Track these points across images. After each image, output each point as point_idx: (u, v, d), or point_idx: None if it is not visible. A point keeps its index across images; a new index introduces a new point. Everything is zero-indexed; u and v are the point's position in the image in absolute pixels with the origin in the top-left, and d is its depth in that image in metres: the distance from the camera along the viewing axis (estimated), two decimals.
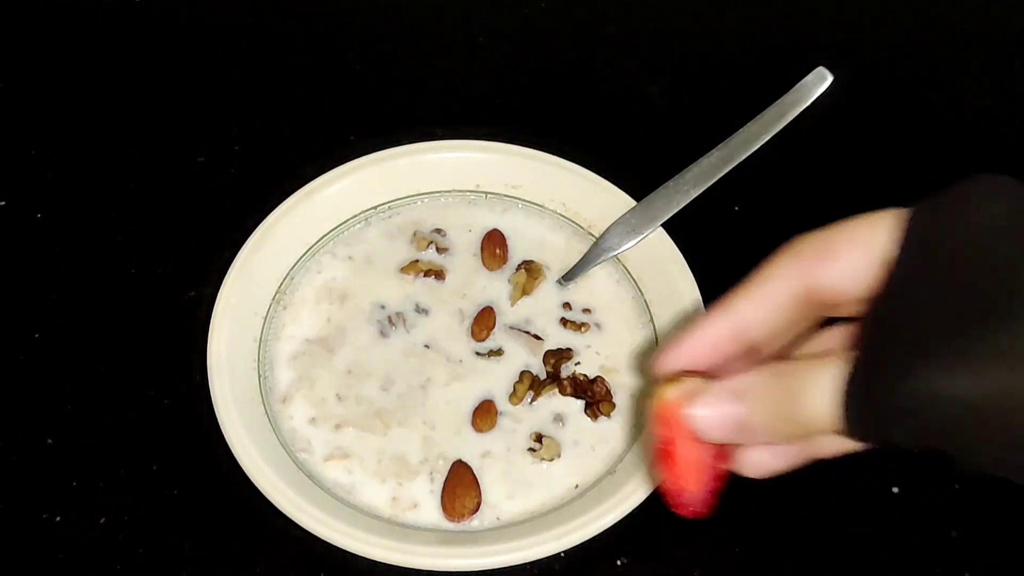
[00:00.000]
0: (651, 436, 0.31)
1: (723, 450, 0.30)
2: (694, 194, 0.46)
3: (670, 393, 0.30)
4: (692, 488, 0.31)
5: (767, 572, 0.39)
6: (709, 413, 0.29)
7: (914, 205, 0.29)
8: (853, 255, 0.28)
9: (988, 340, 0.25)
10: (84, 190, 0.50)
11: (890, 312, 0.27)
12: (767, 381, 0.29)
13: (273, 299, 0.45)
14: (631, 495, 0.38)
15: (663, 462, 0.31)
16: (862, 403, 0.26)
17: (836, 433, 0.27)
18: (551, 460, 0.41)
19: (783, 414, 0.28)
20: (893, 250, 0.28)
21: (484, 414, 0.42)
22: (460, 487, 0.40)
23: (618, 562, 0.39)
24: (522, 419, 0.42)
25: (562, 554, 0.38)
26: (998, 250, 0.26)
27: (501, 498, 0.40)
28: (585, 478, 0.41)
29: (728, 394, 0.29)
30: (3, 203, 0.49)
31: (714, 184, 0.47)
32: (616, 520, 0.37)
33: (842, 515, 0.40)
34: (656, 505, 0.38)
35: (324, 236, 0.47)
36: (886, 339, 0.27)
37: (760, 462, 0.31)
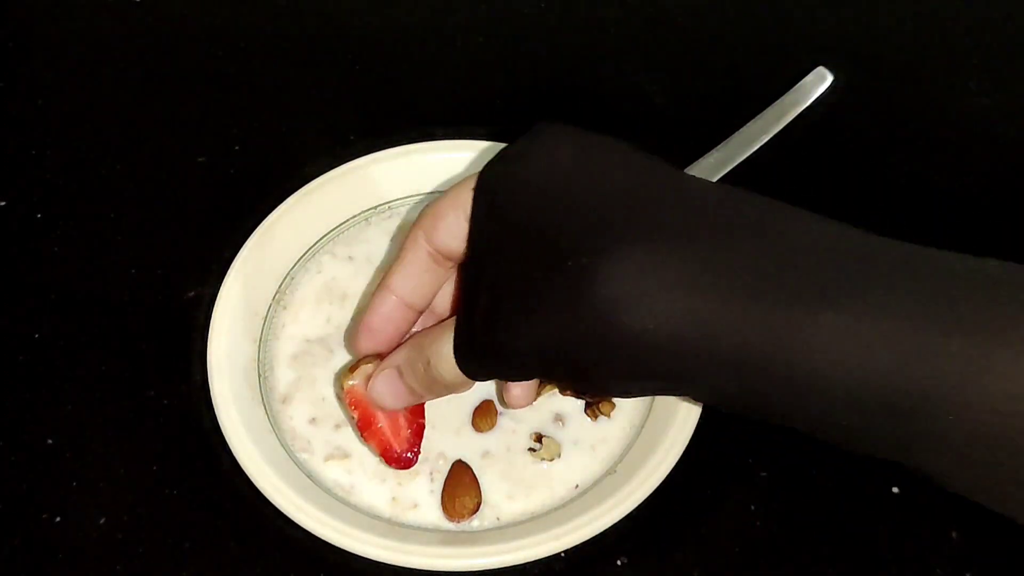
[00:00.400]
0: (348, 415, 0.38)
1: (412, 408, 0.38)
2: None
3: (351, 380, 0.37)
4: (398, 446, 0.38)
5: (767, 572, 0.39)
6: (382, 390, 0.36)
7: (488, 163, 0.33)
8: (451, 216, 0.33)
9: (542, 296, 0.29)
10: (84, 190, 0.50)
11: (470, 270, 0.33)
12: (410, 354, 0.35)
13: (273, 299, 0.45)
14: (631, 495, 0.38)
15: (366, 433, 0.38)
16: (465, 358, 0.33)
17: (459, 380, 0.34)
18: (551, 460, 0.41)
19: (429, 377, 0.34)
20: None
21: (484, 414, 0.42)
22: (460, 487, 0.40)
23: (618, 562, 0.39)
24: (522, 419, 0.42)
25: (562, 554, 0.38)
26: (559, 197, 0.30)
27: (501, 498, 0.40)
28: (585, 478, 0.41)
29: (390, 371, 0.36)
30: (3, 203, 0.49)
31: None
32: (616, 520, 0.37)
33: (842, 515, 0.40)
34: (656, 505, 0.38)
35: (324, 236, 0.47)
36: (469, 299, 0.32)
37: (516, 397, 0.37)
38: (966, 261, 0.28)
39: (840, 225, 0.29)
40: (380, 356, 0.38)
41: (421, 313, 0.38)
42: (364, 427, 0.38)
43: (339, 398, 0.42)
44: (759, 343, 0.27)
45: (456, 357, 0.33)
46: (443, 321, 0.36)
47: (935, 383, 0.26)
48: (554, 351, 0.30)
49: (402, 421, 0.38)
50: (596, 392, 0.37)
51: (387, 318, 0.36)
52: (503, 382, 0.37)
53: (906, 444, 0.28)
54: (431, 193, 0.48)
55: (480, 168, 0.34)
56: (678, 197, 0.30)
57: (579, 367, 0.30)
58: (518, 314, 0.30)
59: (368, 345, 0.37)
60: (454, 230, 0.33)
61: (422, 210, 0.35)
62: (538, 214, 0.30)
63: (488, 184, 0.32)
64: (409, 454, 0.39)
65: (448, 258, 0.35)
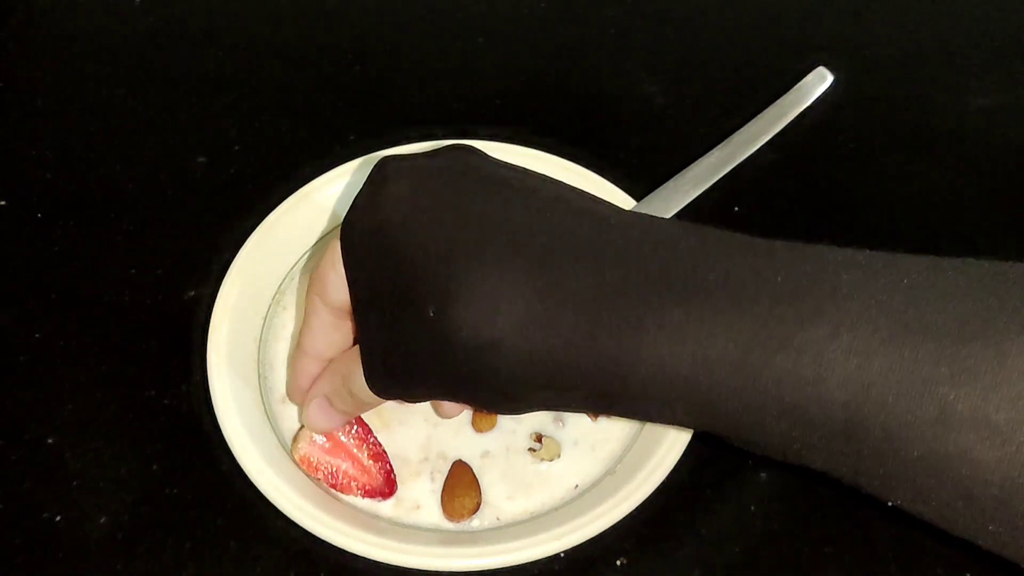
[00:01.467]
0: (313, 480, 0.40)
1: (359, 434, 0.40)
2: (694, 194, 0.46)
3: (298, 451, 0.40)
4: (372, 481, 0.40)
5: (767, 572, 0.39)
6: (315, 418, 0.39)
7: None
8: (331, 275, 0.35)
9: (411, 346, 0.32)
10: (84, 190, 0.50)
11: (358, 319, 0.35)
12: (333, 381, 0.38)
13: (273, 299, 0.45)
14: (631, 495, 0.38)
15: (339, 487, 0.40)
16: (375, 388, 0.35)
17: (373, 399, 0.36)
18: (551, 460, 0.41)
19: (351, 398, 0.37)
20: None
21: (484, 414, 0.42)
22: (460, 487, 0.40)
23: (618, 562, 0.39)
24: (522, 419, 0.42)
25: (562, 554, 0.38)
26: (405, 240, 0.32)
27: (501, 498, 0.40)
28: (585, 478, 0.41)
29: (319, 400, 0.38)
30: (3, 203, 0.49)
31: (714, 184, 0.47)
32: (616, 520, 0.37)
33: (842, 515, 0.40)
34: (656, 505, 0.38)
35: (324, 236, 0.47)
36: (364, 341, 0.35)
37: (446, 409, 0.40)
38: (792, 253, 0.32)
39: (675, 227, 0.33)
40: None
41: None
42: (333, 484, 0.40)
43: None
44: (602, 357, 0.31)
45: (368, 387, 0.36)
46: (353, 349, 0.37)
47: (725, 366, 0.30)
48: (439, 388, 0.34)
49: (360, 454, 0.40)
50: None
51: (311, 376, 0.39)
52: (343, 423, 0.40)
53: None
54: None
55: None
56: (516, 225, 0.32)
57: (464, 398, 0.35)
58: (399, 359, 0.33)
59: (301, 400, 0.40)
60: (340, 287, 0.35)
61: (311, 274, 0.37)
62: (391, 260, 0.32)
63: (347, 239, 0.34)
64: (386, 485, 0.40)
65: (346, 312, 0.37)
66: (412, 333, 0.32)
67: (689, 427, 0.38)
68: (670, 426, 0.38)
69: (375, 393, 0.36)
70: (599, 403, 0.34)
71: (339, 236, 0.35)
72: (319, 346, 0.38)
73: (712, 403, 0.30)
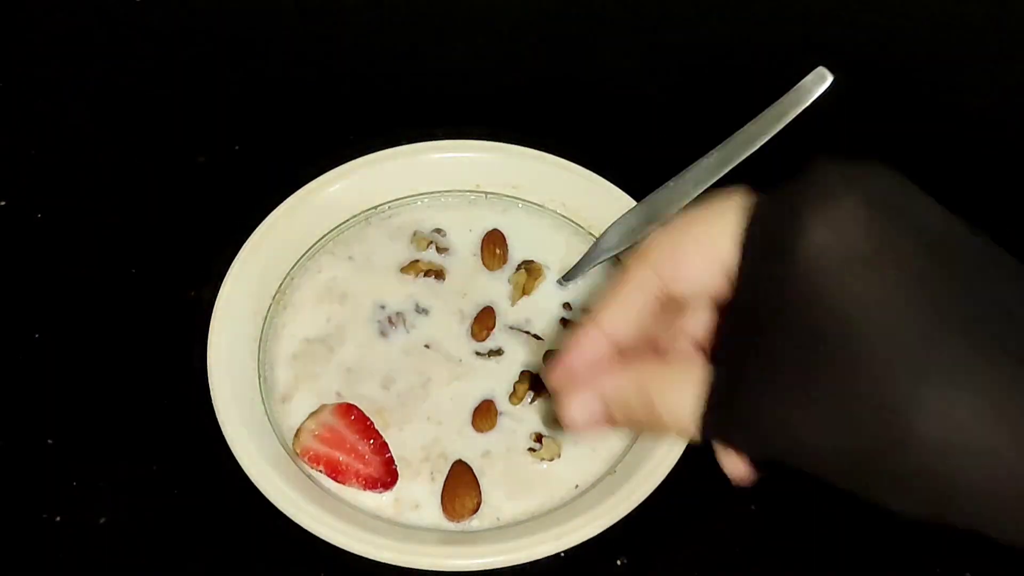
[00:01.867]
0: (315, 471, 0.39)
1: (360, 427, 0.40)
2: (694, 194, 0.46)
3: (299, 444, 0.40)
4: (375, 471, 0.39)
5: (767, 572, 0.39)
6: (577, 413, 0.31)
7: (753, 201, 0.29)
8: (696, 258, 0.29)
9: (820, 389, 0.25)
10: (84, 190, 0.50)
11: (740, 326, 0.28)
12: (627, 388, 0.30)
13: (273, 299, 0.45)
14: (631, 495, 0.38)
15: (339, 478, 0.39)
16: (718, 414, 0.28)
17: (684, 433, 0.29)
18: (551, 460, 0.41)
19: (646, 416, 0.30)
20: (735, 255, 0.28)
21: (484, 414, 0.42)
22: (460, 487, 0.40)
23: (618, 562, 0.39)
24: (522, 419, 0.42)
25: (562, 554, 0.38)
26: (839, 280, 0.26)
27: (501, 498, 0.40)
28: (585, 478, 0.41)
29: (592, 396, 0.31)
30: (3, 203, 0.49)
31: (714, 184, 0.47)
32: (616, 520, 0.37)
33: (842, 515, 0.40)
34: (656, 505, 0.38)
35: (324, 236, 0.47)
36: (736, 357, 0.28)
37: (735, 469, 0.32)
38: None
39: None
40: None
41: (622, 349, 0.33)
42: (334, 474, 0.40)
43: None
44: None
45: (702, 417, 0.28)
46: (671, 362, 0.31)
47: None
48: (830, 448, 0.26)
49: (361, 447, 0.40)
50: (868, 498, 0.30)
51: (591, 355, 0.32)
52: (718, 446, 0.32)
53: None
54: (431, 193, 0.48)
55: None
56: (1003, 311, 0.25)
57: (861, 488, 0.28)
58: (800, 395, 0.26)
59: (562, 384, 0.32)
60: (699, 273, 0.29)
61: (647, 247, 0.30)
62: (837, 299, 0.25)
63: (761, 236, 0.28)
64: (387, 475, 0.40)
65: (678, 301, 0.31)
66: (844, 389, 0.25)
67: None
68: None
69: (706, 428, 0.28)
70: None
71: (722, 215, 0.28)
72: (619, 323, 0.31)
73: None
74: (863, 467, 0.26)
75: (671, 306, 0.31)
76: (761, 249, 0.28)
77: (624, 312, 0.31)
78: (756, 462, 0.31)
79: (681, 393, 0.29)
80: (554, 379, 0.33)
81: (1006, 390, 0.24)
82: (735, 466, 0.32)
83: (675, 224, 0.30)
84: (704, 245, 0.29)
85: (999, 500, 0.25)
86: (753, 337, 0.28)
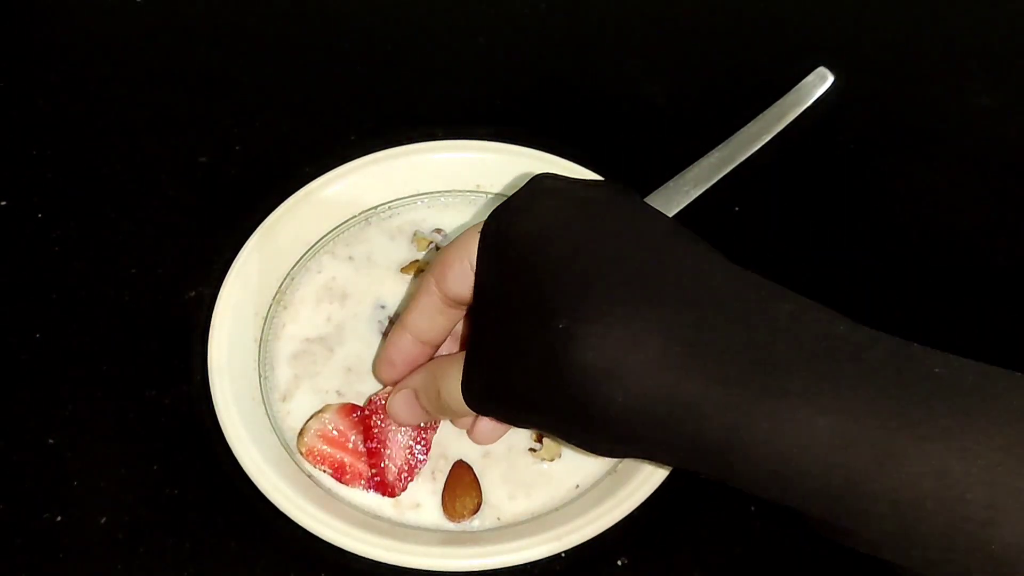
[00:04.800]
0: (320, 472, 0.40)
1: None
2: (694, 194, 0.47)
3: (303, 444, 0.40)
4: (389, 475, 0.40)
5: (767, 572, 0.39)
6: (399, 408, 0.39)
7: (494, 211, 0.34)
8: (457, 266, 0.35)
9: (530, 356, 0.31)
10: (84, 190, 0.50)
11: (476, 318, 0.35)
12: (425, 379, 0.38)
13: (273, 299, 0.45)
14: (631, 495, 0.38)
15: (345, 479, 0.40)
16: (470, 397, 0.35)
17: (462, 412, 0.36)
18: (552, 460, 0.41)
19: (438, 401, 0.37)
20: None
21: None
22: (460, 487, 0.40)
23: (618, 562, 0.39)
24: None
25: (562, 554, 0.38)
26: (552, 254, 0.31)
27: (502, 498, 0.40)
28: (585, 478, 0.41)
29: (408, 391, 0.38)
30: (3, 203, 0.49)
31: (714, 184, 0.47)
32: (616, 520, 0.37)
33: None
34: (656, 505, 0.38)
35: (324, 236, 0.47)
36: (474, 344, 0.35)
37: (482, 432, 0.38)
38: (937, 361, 0.29)
39: (820, 312, 0.30)
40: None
41: (436, 348, 0.39)
42: (340, 475, 0.40)
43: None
44: (722, 429, 0.28)
45: (463, 395, 0.35)
46: (457, 353, 0.37)
47: (857, 469, 0.28)
48: (537, 409, 0.32)
49: (363, 450, 0.40)
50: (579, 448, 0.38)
51: (403, 352, 0.39)
52: (424, 424, 0.40)
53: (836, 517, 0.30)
54: (431, 193, 0.48)
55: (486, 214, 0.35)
56: (664, 267, 0.31)
57: (561, 426, 0.33)
58: (510, 370, 0.32)
59: (388, 376, 0.40)
60: (461, 278, 0.35)
61: (434, 257, 0.37)
62: (531, 269, 0.31)
63: (489, 237, 0.34)
64: (396, 480, 0.40)
65: (458, 303, 0.37)
66: (531, 344, 0.31)
67: (802, 509, 0.31)
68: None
69: (468, 403, 0.35)
70: (695, 468, 0.31)
71: (479, 231, 0.35)
72: (421, 325, 0.38)
73: (854, 484, 0.28)
74: (563, 414, 0.31)
75: (454, 310, 0.37)
76: (486, 246, 0.34)
77: (420, 315, 0.38)
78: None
79: (454, 380, 0.35)
80: (380, 372, 0.40)
81: (654, 324, 0.29)
82: (478, 431, 0.38)
83: (453, 240, 0.36)
84: (462, 253, 0.35)
85: (649, 418, 0.29)
86: (479, 319, 0.35)
